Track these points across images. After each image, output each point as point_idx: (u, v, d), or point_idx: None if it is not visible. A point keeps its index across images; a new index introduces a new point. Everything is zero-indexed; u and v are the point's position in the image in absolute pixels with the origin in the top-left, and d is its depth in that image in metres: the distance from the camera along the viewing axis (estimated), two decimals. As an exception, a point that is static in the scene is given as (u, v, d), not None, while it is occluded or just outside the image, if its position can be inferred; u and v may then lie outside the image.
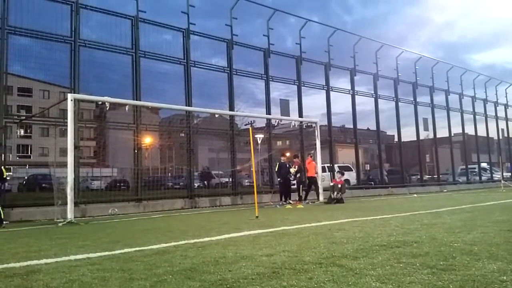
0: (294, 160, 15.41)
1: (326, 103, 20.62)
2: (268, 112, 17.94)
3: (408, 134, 25.37)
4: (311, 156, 16.02)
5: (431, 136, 26.54)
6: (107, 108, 11.78)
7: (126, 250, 4.78)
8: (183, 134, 16.86)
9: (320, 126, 16.80)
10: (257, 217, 8.71)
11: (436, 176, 26.86)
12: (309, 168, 15.62)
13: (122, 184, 16.66)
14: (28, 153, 48.13)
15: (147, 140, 17.31)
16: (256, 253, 4.19)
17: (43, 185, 18.72)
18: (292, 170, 14.87)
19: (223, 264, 3.72)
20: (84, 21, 13.64)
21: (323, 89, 20.72)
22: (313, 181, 15.58)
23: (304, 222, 7.35)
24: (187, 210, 13.53)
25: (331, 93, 20.85)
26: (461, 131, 29.33)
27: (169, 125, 22.13)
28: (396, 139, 24.86)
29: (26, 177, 25.57)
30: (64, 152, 10.25)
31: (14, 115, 14.84)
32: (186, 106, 15.36)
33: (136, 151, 14.21)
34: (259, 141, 22.19)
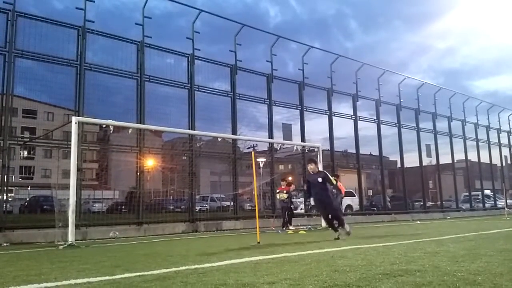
0: (282, 183, 14.66)
1: (328, 127, 20.76)
2: (271, 136, 18.06)
3: (411, 160, 25.39)
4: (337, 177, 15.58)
5: (434, 162, 26.52)
6: (111, 131, 11.88)
7: (126, 275, 4.73)
8: (185, 157, 16.92)
9: (323, 150, 16.85)
10: (258, 242, 8.64)
11: (439, 202, 26.68)
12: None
13: (123, 207, 16.61)
14: (30, 175, 48.36)
15: (150, 163, 17.36)
16: (258, 281, 4.14)
17: (45, 206, 18.68)
18: (283, 195, 14.13)
19: (224, 292, 3.69)
20: (90, 45, 13.91)
21: (325, 114, 20.89)
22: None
23: (306, 249, 7.27)
24: (188, 234, 13.43)
25: (334, 118, 21.02)
26: (464, 158, 29.29)
27: (172, 148, 22.24)
28: (398, 165, 24.83)
29: (27, 199, 25.51)
30: (66, 174, 10.28)
31: (18, 136, 14.96)
32: (189, 129, 15.48)
33: (138, 173, 14.24)
34: (261, 165, 22.20)
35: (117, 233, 12.26)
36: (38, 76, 13.27)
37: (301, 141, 18.54)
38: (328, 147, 20.33)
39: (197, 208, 16.98)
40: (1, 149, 12.04)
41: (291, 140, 18.07)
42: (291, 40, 20.79)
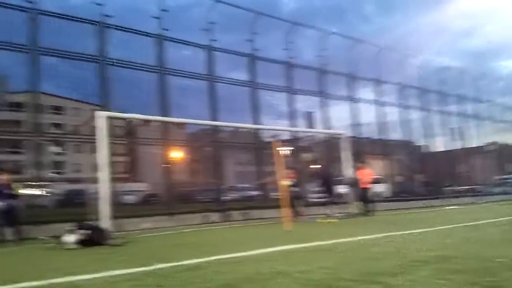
0: (287, 171, 13.50)
1: (351, 114, 20.49)
2: (293, 124, 17.95)
3: (438, 145, 24.83)
4: (361, 163, 15.11)
5: (463, 146, 25.87)
6: (137, 125, 12.08)
7: (161, 265, 4.83)
8: (210, 148, 17.04)
9: (347, 137, 16.63)
10: (289, 231, 8.64)
11: (471, 187, 26.03)
12: (360, 177, 14.58)
13: (153, 199, 16.90)
14: (62, 170, 49.79)
15: (176, 154, 17.56)
16: (291, 269, 4.14)
17: (78, 200, 19.11)
18: (286, 183, 12.85)
19: (258, 281, 3.70)
20: (110, 40, 14.04)
21: (347, 100, 20.61)
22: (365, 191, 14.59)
23: (338, 237, 7.22)
24: (217, 224, 13.57)
25: (356, 104, 20.72)
26: (493, 140, 28.44)
27: (196, 140, 22.43)
28: (427, 149, 24.31)
29: (61, 193, 26.13)
30: (97, 168, 10.47)
31: (47, 133, 15.33)
32: (212, 120, 15.51)
33: (165, 165, 14.44)
34: (284, 154, 22.11)
35: (148, 224, 12.48)
36: (63, 73, 13.52)
37: (324, 129, 18.36)
38: (352, 134, 20.00)
39: (225, 198, 17.12)
40: (33, 146, 12.41)
41: (314, 128, 17.91)
42: (308, 26, 20.43)
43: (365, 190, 14.55)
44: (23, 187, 11.64)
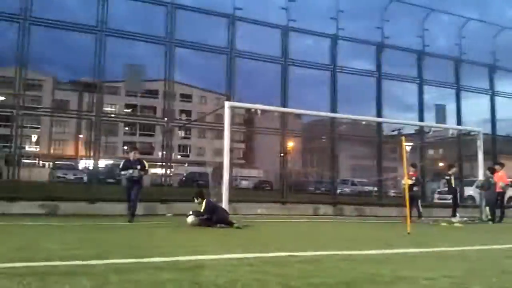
0: (410, 169, 12.59)
1: (490, 109, 18.36)
2: (421, 118, 16.73)
3: None
4: (497, 164, 13.73)
5: None
6: (255, 114, 12.46)
7: (279, 253, 4.89)
8: (325, 140, 16.84)
9: (482, 135, 14.93)
10: (408, 233, 8.11)
11: None
12: (496, 180, 13.08)
13: (267, 185, 17.39)
14: (187, 153, 54.41)
15: (291, 144, 17.75)
16: (415, 275, 3.85)
17: (200, 182, 20.58)
18: (407, 181, 11.43)
19: (380, 283, 3.51)
20: (237, 32, 14.61)
21: (486, 93, 18.51)
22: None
23: (465, 244, 6.57)
24: (329, 217, 13.41)
25: (497, 98, 18.51)
26: None
27: (312, 131, 22.41)
28: None
29: (185, 174, 28.34)
30: (217, 152, 11.09)
31: (177, 119, 16.74)
32: (331, 111, 15.24)
33: (281, 154, 14.69)
34: (407, 150, 20.81)
35: (263, 210, 12.86)
36: (193, 64, 14.52)
37: (457, 124, 16.76)
38: (488, 131, 17.92)
39: (338, 191, 16.83)
40: (164, 130, 13.67)
41: (444, 123, 16.44)
42: (445, 12, 18.72)
43: (498, 194, 12.95)
44: (153, 166, 12.86)
